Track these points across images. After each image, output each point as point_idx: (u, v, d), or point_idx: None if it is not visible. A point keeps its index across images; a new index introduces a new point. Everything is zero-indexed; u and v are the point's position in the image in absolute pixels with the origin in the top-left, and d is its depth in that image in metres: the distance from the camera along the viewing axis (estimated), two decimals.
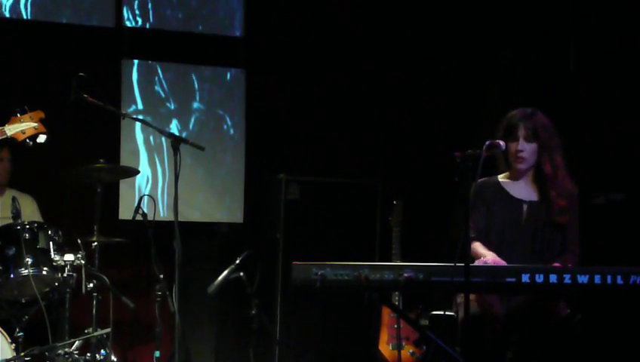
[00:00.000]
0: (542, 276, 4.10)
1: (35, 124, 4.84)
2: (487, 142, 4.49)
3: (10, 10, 6.92)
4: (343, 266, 4.18)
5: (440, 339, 4.36)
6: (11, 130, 4.79)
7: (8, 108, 6.74)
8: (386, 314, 6.32)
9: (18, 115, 4.84)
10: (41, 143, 4.92)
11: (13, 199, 5.39)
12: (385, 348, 6.27)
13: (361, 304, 6.04)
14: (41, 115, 4.88)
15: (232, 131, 7.50)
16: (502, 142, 4.63)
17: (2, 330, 5.15)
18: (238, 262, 5.81)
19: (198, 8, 7.51)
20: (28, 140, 4.86)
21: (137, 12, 7.33)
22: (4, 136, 4.79)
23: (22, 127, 4.82)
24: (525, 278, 4.11)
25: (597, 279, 4.08)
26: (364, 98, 7.61)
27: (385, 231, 6.59)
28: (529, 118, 4.72)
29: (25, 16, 7.02)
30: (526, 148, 4.70)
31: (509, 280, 4.12)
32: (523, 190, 4.78)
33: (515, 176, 4.81)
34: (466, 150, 4.30)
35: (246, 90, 7.51)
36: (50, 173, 6.01)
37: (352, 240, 6.90)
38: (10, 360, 5.06)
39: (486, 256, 4.50)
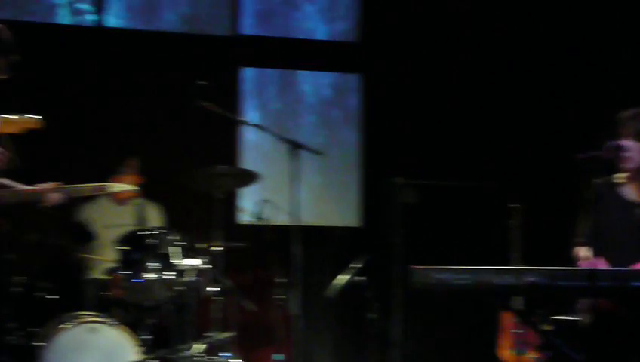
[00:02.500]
0: None
1: (133, 188, 5.39)
2: (609, 143, 4.39)
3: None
4: (462, 270, 4.14)
5: (564, 345, 4.29)
6: (114, 187, 5.21)
7: (130, 119, 6.99)
8: (508, 319, 6.24)
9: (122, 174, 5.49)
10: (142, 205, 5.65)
11: (139, 205, 5.54)
12: (506, 353, 6.20)
13: (482, 308, 6.00)
14: (139, 180, 5.52)
15: (348, 136, 7.55)
16: (625, 143, 4.52)
17: (130, 333, 5.29)
18: (356, 266, 5.83)
19: (313, 14, 7.59)
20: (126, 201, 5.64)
21: (253, 20, 7.47)
22: (105, 193, 5.10)
23: (123, 187, 5.30)
24: None
25: None
26: (482, 100, 7.54)
27: (504, 234, 6.51)
28: (637, 116, 4.60)
29: (142, 27, 7.26)
30: (631, 147, 4.56)
31: (635, 284, 4.02)
32: (637, 192, 4.65)
33: (629, 177, 4.68)
34: (587, 151, 4.21)
35: (361, 94, 7.54)
36: (172, 179, 6.14)
37: (470, 244, 6.84)
38: None
39: (585, 259, 4.40)
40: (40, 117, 4.35)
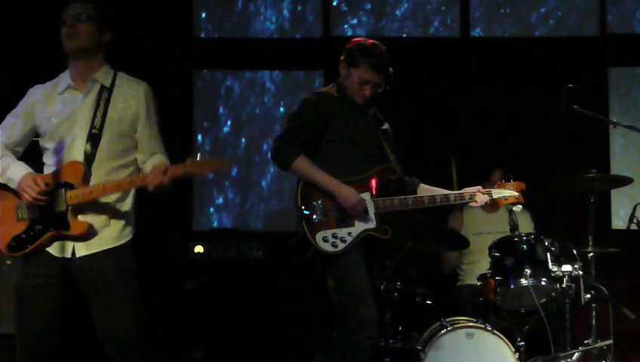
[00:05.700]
0: None
1: (516, 194, 5.07)
2: None
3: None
4: None
5: None
6: (496, 193, 5.05)
7: (499, 125, 7.03)
8: None
9: (503, 180, 5.13)
10: (516, 212, 5.30)
11: (510, 212, 5.54)
12: None
13: None
14: (523, 186, 5.10)
15: None
16: None
17: (505, 339, 5.32)
18: None
19: None
20: (507, 207, 5.26)
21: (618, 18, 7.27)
22: (487, 199, 5.03)
23: (505, 193, 5.07)
24: None
25: None
26: None
27: None
28: None
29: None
30: None
31: None
32: None
33: None
34: None
35: None
36: (544, 185, 6.10)
37: None
38: None
39: None
40: (228, 159, 4.38)
